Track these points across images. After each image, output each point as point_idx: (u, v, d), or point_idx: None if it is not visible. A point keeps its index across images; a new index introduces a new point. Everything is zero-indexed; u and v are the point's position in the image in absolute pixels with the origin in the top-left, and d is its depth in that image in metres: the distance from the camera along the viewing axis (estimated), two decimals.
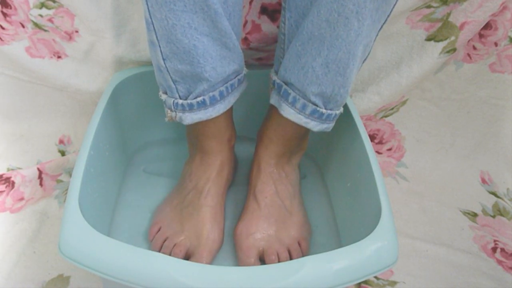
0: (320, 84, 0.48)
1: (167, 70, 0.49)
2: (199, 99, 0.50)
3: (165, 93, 0.52)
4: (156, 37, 0.47)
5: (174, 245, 0.53)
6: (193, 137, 0.58)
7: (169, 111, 0.53)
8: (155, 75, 0.52)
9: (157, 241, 0.55)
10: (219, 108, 0.52)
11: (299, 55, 0.48)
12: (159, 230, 0.56)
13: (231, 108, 0.56)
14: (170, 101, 0.51)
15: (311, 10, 0.46)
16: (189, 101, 0.50)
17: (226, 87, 0.51)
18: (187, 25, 0.45)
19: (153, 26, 0.47)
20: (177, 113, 0.52)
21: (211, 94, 0.50)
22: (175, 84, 0.50)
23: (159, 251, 0.54)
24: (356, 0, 0.42)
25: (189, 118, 0.51)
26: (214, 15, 0.45)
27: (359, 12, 0.43)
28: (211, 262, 0.53)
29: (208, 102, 0.50)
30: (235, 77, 0.52)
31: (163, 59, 0.48)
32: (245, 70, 0.55)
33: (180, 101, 0.51)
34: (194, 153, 0.59)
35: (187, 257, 0.53)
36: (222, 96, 0.51)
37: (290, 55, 0.49)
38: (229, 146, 0.58)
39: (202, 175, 0.57)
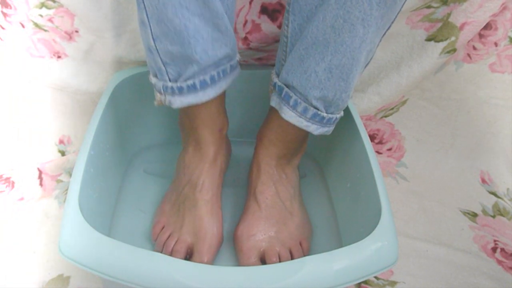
0: (323, 89, 0.48)
1: (157, 51, 0.48)
2: (189, 82, 0.49)
3: (155, 76, 0.51)
4: (147, 16, 0.47)
5: (176, 241, 0.53)
6: (186, 125, 0.58)
7: (158, 94, 0.52)
8: (146, 58, 0.51)
9: (161, 240, 0.55)
10: (210, 93, 0.51)
11: (302, 59, 0.48)
12: (162, 228, 0.56)
13: (223, 96, 0.55)
14: (160, 84, 0.51)
15: (316, 14, 0.46)
16: (179, 84, 0.49)
17: (218, 72, 0.50)
18: (178, 4, 0.44)
19: (144, 5, 0.46)
20: (166, 96, 0.51)
21: (201, 78, 0.49)
22: (165, 66, 0.49)
23: (163, 248, 0.54)
24: (362, 7, 0.42)
25: (179, 101, 0.50)
26: None
27: (365, 19, 0.43)
28: (213, 256, 0.53)
29: (198, 86, 0.50)
30: (227, 62, 0.51)
31: (153, 40, 0.48)
32: (238, 57, 0.54)
33: (170, 84, 0.50)
34: (187, 144, 0.59)
35: (189, 252, 0.53)
36: (213, 81, 0.50)
37: (292, 58, 0.49)
38: (220, 135, 0.57)
39: (196, 167, 0.56)
